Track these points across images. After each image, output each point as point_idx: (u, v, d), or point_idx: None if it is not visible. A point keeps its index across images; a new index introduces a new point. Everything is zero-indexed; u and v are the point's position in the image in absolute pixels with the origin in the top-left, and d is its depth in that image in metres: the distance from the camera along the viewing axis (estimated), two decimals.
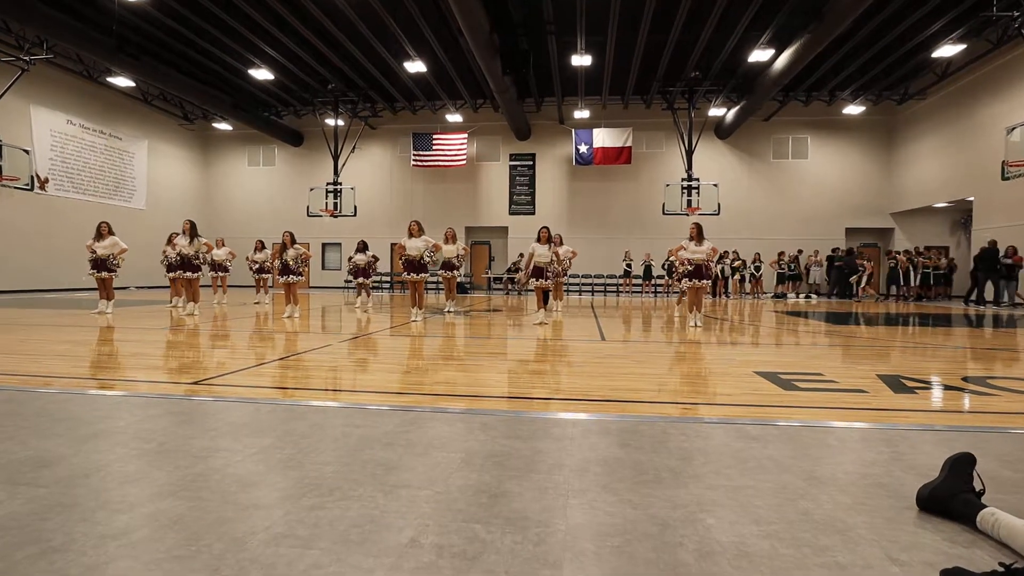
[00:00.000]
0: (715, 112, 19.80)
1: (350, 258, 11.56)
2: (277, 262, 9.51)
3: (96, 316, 8.99)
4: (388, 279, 21.98)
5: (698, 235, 8.35)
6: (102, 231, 9.57)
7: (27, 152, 14.91)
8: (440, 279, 11.43)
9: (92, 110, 18.61)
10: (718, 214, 17.96)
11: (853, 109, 19.72)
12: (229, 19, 14.14)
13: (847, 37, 14.75)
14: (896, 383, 4.06)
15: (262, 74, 17.48)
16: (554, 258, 8.57)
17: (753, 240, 20.39)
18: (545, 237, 8.50)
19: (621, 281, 20.53)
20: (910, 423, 2.96)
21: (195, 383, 3.87)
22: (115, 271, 9.59)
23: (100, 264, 9.49)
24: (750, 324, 9.49)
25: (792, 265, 19.03)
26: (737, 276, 18.86)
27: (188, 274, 9.96)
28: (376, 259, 11.66)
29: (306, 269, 9.97)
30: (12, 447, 2.40)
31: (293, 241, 9.49)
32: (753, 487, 2.03)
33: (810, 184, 20.85)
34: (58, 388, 3.61)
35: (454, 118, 21.39)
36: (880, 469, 2.25)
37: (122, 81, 17.58)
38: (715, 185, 18.28)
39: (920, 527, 1.76)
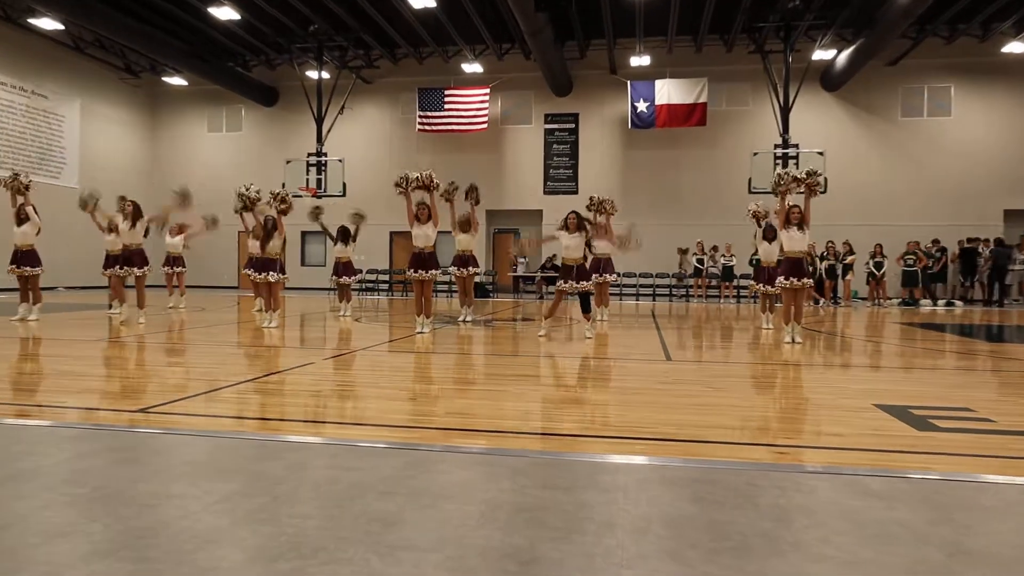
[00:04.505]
0: (821, 55, 19.46)
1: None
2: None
3: (17, 324, 9.29)
4: (387, 278, 22.21)
5: (800, 220, 8.21)
6: (20, 214, 9.85)
7: None
8: (452, 279, 11.48)
9: (10, 61, 19.28)
10: (824, 192, 17.55)
11: (1017, 47, 19.11)
12: None
13: None
14: None
15: (225, 12, 17.87)
16: (588, 250, 8.61)
17: (872, 227, 19.95)
18: (574, 224, 8.45)
19: (691, 282, 20.32)
20: None
21: (142, 411, 3.97)
22: (40, 267, 9.87)
23: (23, 257, 9.78)
24: (868, 340, 9.29)
25: (932, 261, 18.51)
26: (850, 276, 18.49)
27: (133, 270, 10.14)
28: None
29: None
30: None
31: (275, 227, 9.57)
32: (877, 561, 1.98)
33: (953, 151, 20.32)
34: None
35: (472, 68, 21.51)
36: None
37: (48, 23, 18.17)
38: (820, 153, 17.93)
39: None
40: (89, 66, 21.96)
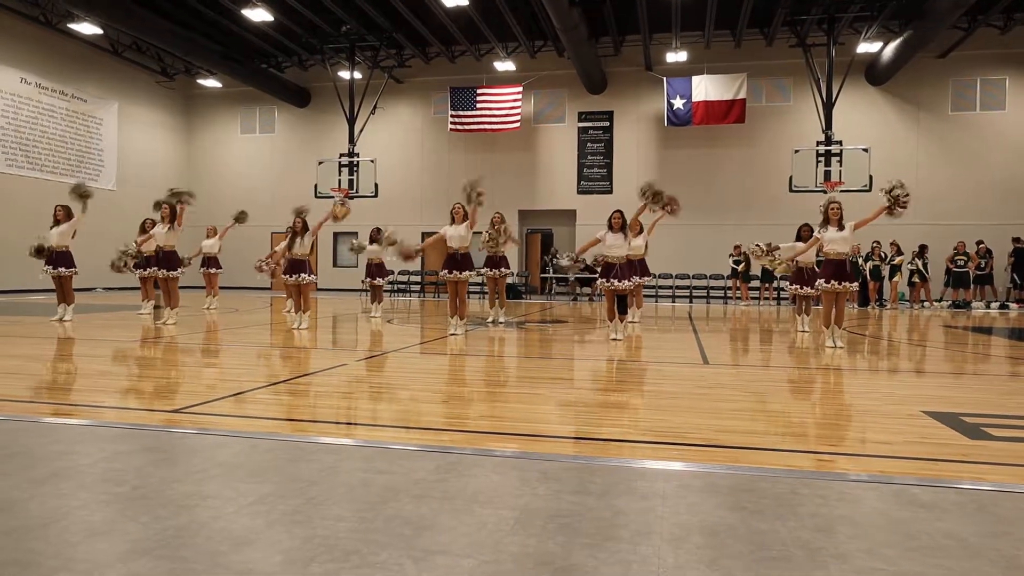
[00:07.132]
0: (866, 48, 19.07)
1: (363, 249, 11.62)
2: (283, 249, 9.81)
3: (56, 324, 9.55)
4: (419, 280, 22.35)
5: (839, 219, 8.07)
6: (57, 216, 10.14)
7: None
8: (484, 280, 11.51)
9: (51, 65, 19.84)
10: (869, 190, 17.25)
11: None
12: None
13: None
14: None
15: (258, 14, 18.17)
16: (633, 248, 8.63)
17: (920, 226, 19.47)
18: (619, 224, 8.48)
19: (729, 283, 20.09)
20: None
21: (176, 411, 4.06)
22: (74, 268, 10.08)
23: (57, 258, 10.02)
24: (915, 344, 9.10)
25: (984, 262, 18.04)
26: (898, 277, 18.10)
27: (169, 272, 10.28)
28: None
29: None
30: None
31: (306, 227, 9.63)
32: (925, 575, 1.94)
33: (1007, 146, 19.74)
34: (8, 414, 3.87)
35: (505, 66, 21.54)
36: None
37: (87, 28, 18.65)
38: (865, 150, 17.59)
39: None
40: (126, 69, 22.48)
